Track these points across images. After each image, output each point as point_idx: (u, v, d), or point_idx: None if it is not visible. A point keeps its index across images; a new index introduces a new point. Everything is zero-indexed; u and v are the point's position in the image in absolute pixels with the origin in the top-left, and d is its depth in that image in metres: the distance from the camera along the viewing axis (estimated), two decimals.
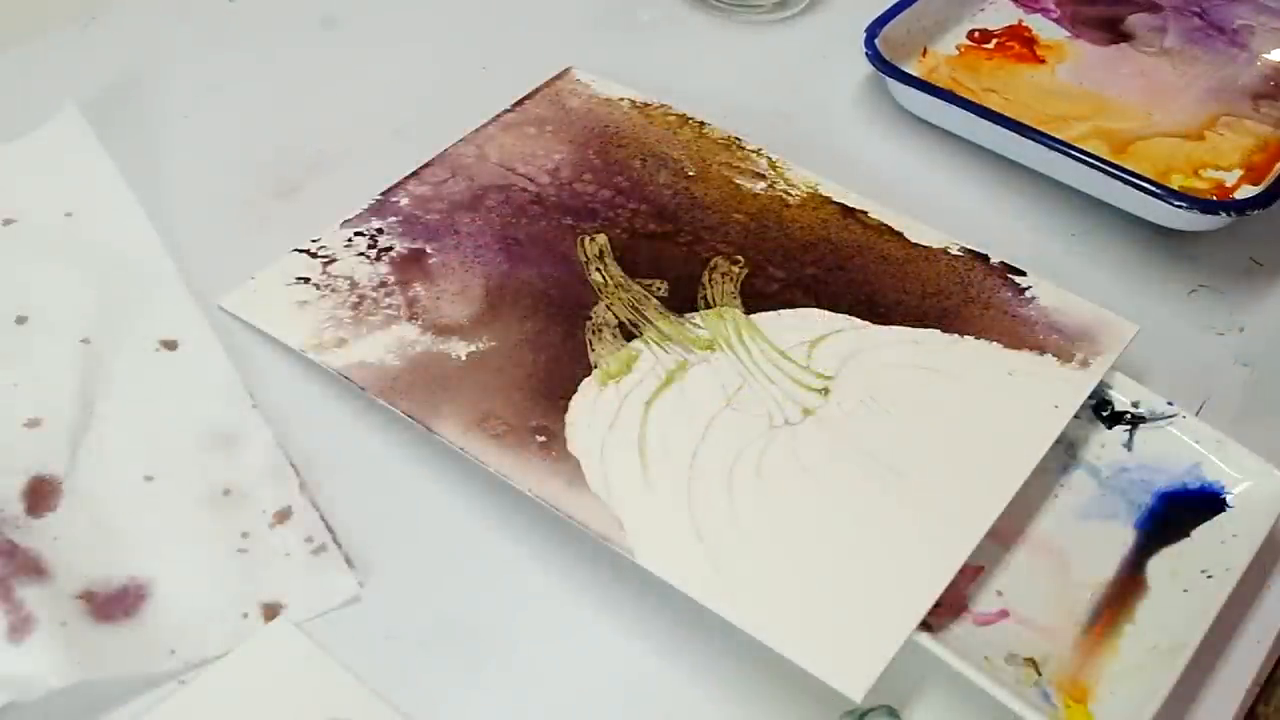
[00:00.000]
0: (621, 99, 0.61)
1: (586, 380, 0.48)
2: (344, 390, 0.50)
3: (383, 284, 0.52)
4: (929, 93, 0.60)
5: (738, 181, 0.57)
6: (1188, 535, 0.46)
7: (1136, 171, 0.56)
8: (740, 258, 0.53)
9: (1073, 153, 0.56)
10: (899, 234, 0.55)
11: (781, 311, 0.51)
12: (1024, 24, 0.67)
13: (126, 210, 0.56)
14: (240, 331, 0.52)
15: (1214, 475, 0.47)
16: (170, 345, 0.50)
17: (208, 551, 0.45)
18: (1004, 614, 0.44)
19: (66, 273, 0.53)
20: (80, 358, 0.50)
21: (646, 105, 0.61)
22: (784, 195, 0.56)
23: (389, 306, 0.51)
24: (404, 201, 0.56)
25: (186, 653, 0.42)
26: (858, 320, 0.51)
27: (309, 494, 0.47)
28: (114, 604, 0.43)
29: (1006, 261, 0.53)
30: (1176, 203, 0.55)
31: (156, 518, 0.46)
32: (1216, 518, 0.46)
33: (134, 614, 0.43)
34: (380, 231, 0.55)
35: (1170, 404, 0.49)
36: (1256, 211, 0.55)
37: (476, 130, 0.59)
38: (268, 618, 0.43)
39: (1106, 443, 0.49)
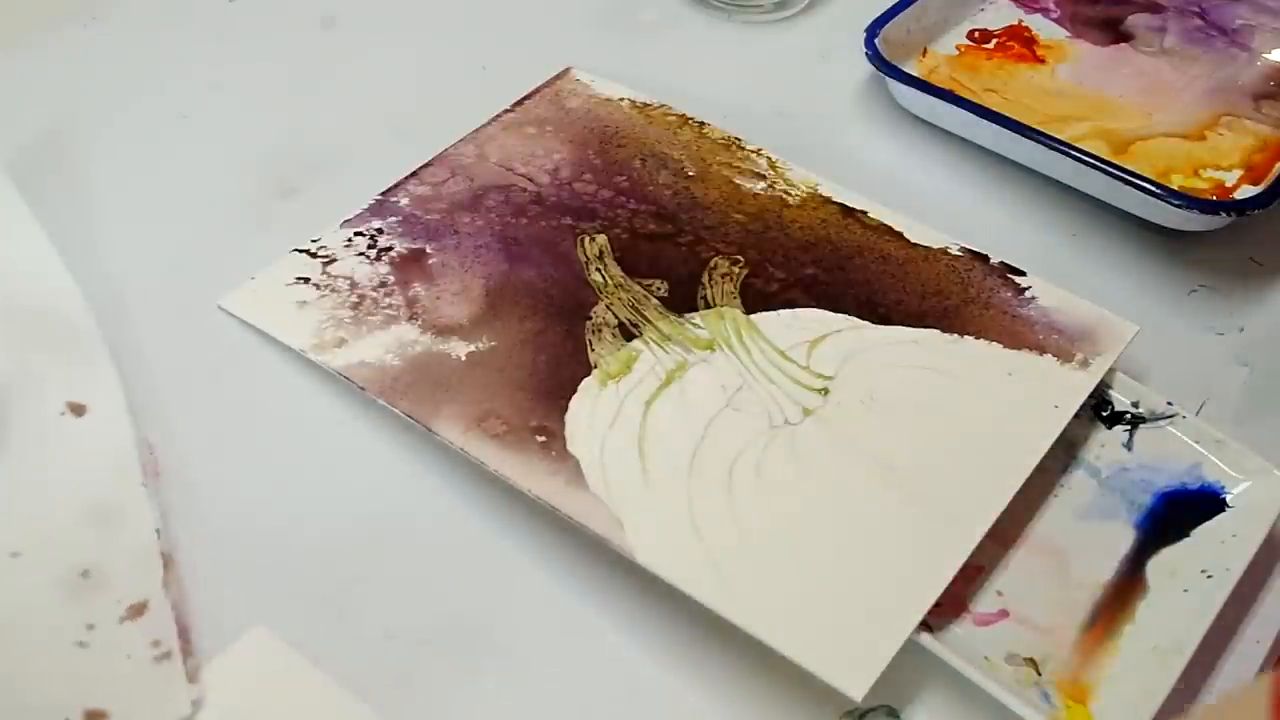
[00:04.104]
0: (621, 99, 0.61)
1: (586, 380, 0.48)
2: (344, 390, 0.50)
3: (383, 284, 0.52)
4: (929, 93, 0.60)
5: (738, 181, 0.57)
6: (1187, 535, 0.46)
7: (1136, 171, 0.56)
8: (740, 258, 0.53)
9: (1073, 153, 0.56)
10: (899, 234, 0.55)
11: (781, 311, 0.51)
12: (1024, 24, 0.67)
13: (48, 266, 0.53)
14: (240, 331, 0.52)
15: (1214, 475, 0.47)
16: (78, 410, 0.48)
17: (46, 644, 0.41)
18: (1004, 614, 0.44)
19: None
20: None
21: (646, 105, 0.61)
22: (784, 195, 0.56)
23: (389, 306, 0.51)
24: (404, 201, 0.56)
25: None
26: (858, 320, 0.51)
27: (172, 589, 0.43)
28: None
29: (1006, 261, 0.53)
30: (1176, 203, 0.55)
31: (10, 600, 0.42)
32: (1216, 518, 0.46)
33: None
34: (380, 231, 0.55)
35: (1170, 404, 0.49)
36: (1256, 211, 0.55)
37: (476, 130, 0.60)
38: None
39: (1106, 443, 0.49)
